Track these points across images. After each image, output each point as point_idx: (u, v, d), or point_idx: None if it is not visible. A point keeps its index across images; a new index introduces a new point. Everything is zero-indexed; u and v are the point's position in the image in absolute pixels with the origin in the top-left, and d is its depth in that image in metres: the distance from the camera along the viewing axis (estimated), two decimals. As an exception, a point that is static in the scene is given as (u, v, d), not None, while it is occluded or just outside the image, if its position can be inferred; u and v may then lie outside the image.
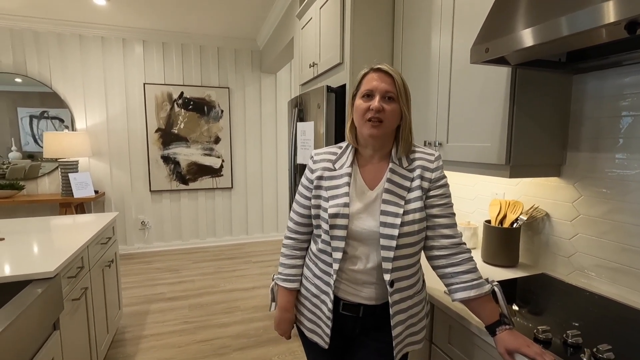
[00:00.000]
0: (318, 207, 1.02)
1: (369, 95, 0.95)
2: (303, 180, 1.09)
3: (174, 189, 4.28)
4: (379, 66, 0.96)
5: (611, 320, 1.01)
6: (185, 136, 4.25)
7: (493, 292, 0.93)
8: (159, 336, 2.45)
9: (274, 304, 1.12)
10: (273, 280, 1.13)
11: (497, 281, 1.28)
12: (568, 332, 0.89)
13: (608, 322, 1.00)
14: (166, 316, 2.73)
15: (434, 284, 1.25)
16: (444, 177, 1.01)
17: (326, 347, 1.03)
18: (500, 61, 1.08)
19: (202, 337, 2.44)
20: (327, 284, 1.01)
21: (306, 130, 2.15)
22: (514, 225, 1.43)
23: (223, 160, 4.43)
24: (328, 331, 1.01)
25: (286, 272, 1.09)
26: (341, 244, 0.97)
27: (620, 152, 1.15)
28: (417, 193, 0.96)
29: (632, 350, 0.86)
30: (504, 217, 1.47)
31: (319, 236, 1.03)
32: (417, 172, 0.98)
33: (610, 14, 0.71)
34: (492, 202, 1.54)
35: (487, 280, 0.95)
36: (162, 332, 2.50)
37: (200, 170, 4.36)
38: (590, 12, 0.74)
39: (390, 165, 0.99)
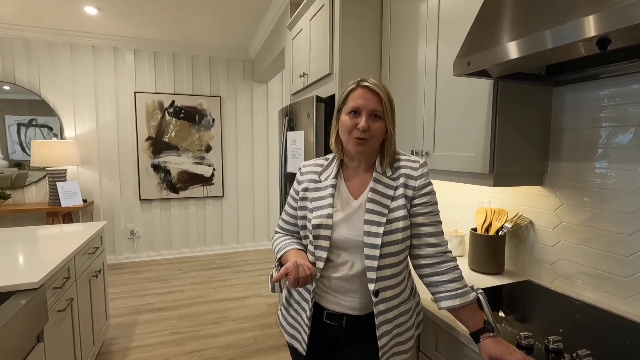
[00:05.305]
0: (304, 217, 1.04)
1: (355, 112, 0.96)
2: (291, 190, 1.13)
3: (164, 198, 4.25)
4: (366, 83, 0.96)
5: (592, 326, 1.03)
6: (176, 145, 4.23)
7: (478, 299, 0.95)
8: (147, 347, 2.41)
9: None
10: (273, 268, 1.08)
11: (483, 288, 1.30)
12: (550, 338, 0.91)
13: (589, 328, 1.02)
14: (154, 327, 2.68)
15: (420, 291, 1.26)
16: (429, 184, 1.00)
17: (304, 353, 1.04)
18: (482, 74, 1.12)
19: (191, 348, 2.41)
20: (308, 291, 1.03)
21: (296, 139, 2.17)
22: (499, 233, 1.45)
23: (214, 169, 4.42)
24: (306, 338, 1.02)
25: (283, 244, 1.07)
26: (324, 254, 0.98)
27: (599, 161, 1.19)
28: (400, 202, 0.97)
29: (610, 355, 0.88)
30: (490, 225, 1.50)
31: (306, 246, 1.05)
32: (401, 180, 0.99)
33: (591, 28, 0.74)
34: (478, 210, 1.57)
35: (472, 288, 0.96)
36: (150, 343, 2.46)
37: (191, 179, 4.34)
38: (572, 26, 0.78)
39: (374, 174, 1.01)
